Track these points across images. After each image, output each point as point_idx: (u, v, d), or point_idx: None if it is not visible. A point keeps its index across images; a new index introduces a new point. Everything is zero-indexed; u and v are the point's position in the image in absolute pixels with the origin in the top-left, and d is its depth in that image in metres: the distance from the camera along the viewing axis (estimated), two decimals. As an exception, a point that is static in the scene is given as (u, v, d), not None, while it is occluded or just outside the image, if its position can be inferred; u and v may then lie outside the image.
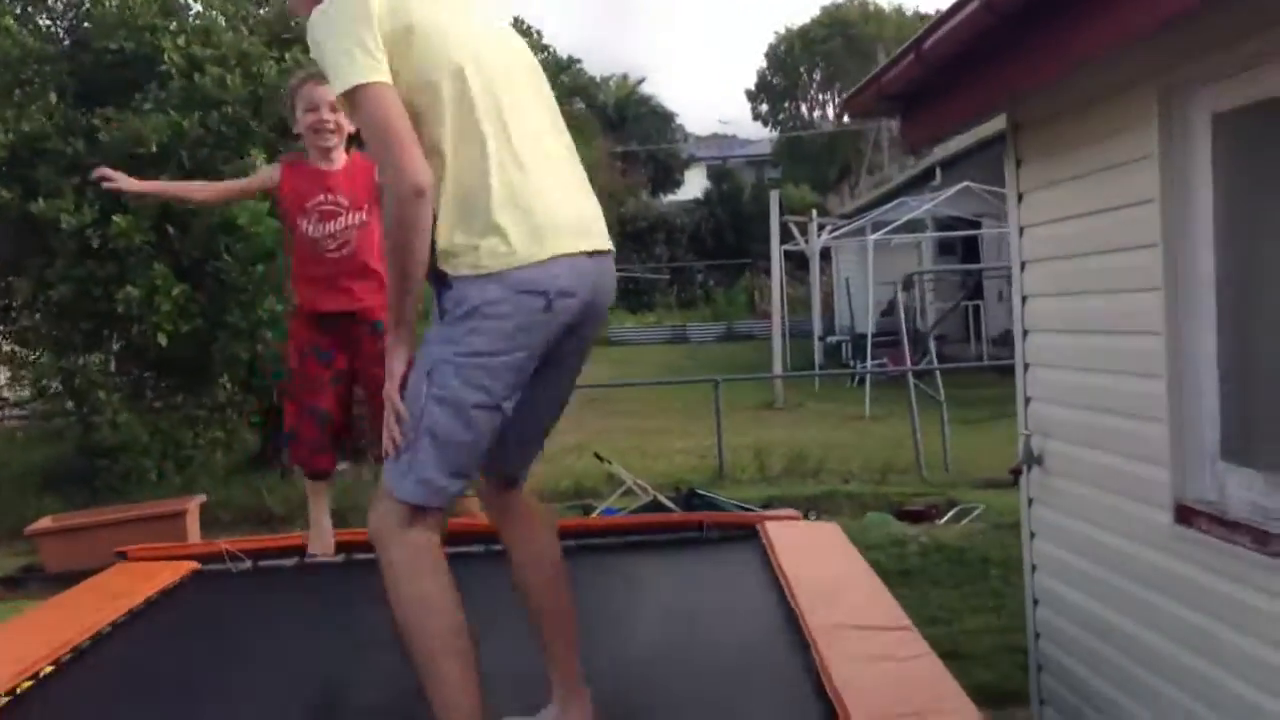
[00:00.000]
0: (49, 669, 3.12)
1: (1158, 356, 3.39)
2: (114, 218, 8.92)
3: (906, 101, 4.55)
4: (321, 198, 3.30)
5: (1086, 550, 4.05)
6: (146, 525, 7.79)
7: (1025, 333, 4.49)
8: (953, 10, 3.51)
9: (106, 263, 9.15)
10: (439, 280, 2.36)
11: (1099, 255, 3.81)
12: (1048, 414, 4.33)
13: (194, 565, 4.19)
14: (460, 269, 2.32)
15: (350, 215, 3.26)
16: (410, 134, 2.28)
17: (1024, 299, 4.48)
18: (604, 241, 2.53)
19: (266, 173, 3.49)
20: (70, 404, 10.26)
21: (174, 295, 8.98)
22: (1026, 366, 4.50)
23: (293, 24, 10.72)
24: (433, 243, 2.32)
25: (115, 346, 10.22)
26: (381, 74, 2.29)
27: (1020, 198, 4.44)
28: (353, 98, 2.28)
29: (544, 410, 2.61)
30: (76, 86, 9.89)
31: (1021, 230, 4.45)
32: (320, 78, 3.11)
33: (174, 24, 10.11)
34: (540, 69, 2.65)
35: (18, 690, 2.96)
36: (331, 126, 3.27)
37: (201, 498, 8.81)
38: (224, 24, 10.29)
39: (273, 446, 11.20)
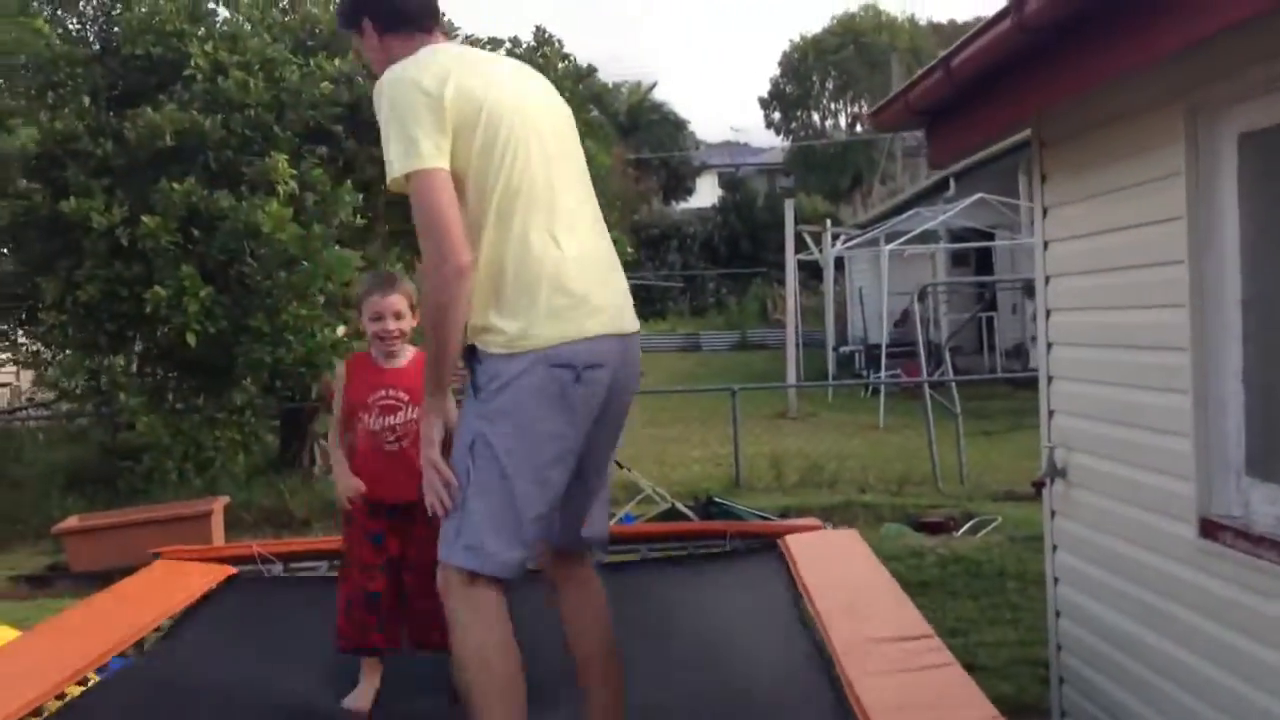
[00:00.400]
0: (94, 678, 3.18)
1: (1183, 372, 3.44)
2: (143, 218, 9.03)
3: (933, 117, 4.60)
4: (383, 393, 3.35)
5: (1109, 563, 4.09)
6: (172, 526, 7.87)
7: (1049, 346, 4.53)
8: (983, 28, 3.57)
9: (134, 263, 9.25)
10: (471, 356, 2.51)
11: (1124, 271, 3.86)
12: (1071, 427, 4.37)
13: (229, 569, 4.25)
14: (492, 347, 2.47)
15: (410, 410, 3.29)
16: (457, 218, 2.42)
17: (1048, 313, 4.53)
18: (632, 324, 2.67)
19: (339, 375, 3.52)
20: (94, 405, 10.34)
21: (201, 297, 9.07)
22: (1050, 379, 4.54)
23: (317, 30, 10.83)
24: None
25: (138, 348, 10.29)
26: (440, 160, 2.44)
27: (1045, 212, 4.49)
28: (409, 180, 2.43)
29: (588, 479, 2.69)
30: (107, 89, 10.00)
31: (1046, 245, 4.50)
32: (385, 288, 3.33)
33: (201, 30, 10.21)
34: (575, 130, 2.79)
35: (66, 694, 3.02)
36: (395, 334, 3.35)
37: (225, 499, 8.89)
38: (249, 30, 10.39)
39: (291, 449, 11.30)
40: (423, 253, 2.46)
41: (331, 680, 3.27)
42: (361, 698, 3.25)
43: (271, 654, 3.49)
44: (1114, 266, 3.94)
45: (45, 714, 2.91)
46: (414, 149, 2.42)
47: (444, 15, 2.93)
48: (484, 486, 2.45)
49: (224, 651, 3.55)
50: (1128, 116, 3.76)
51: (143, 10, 10.06)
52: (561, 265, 2.50)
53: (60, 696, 3.02)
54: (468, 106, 2.48)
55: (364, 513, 3.35)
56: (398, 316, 3.33)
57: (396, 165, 2.45)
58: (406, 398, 3.32)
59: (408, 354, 3.38)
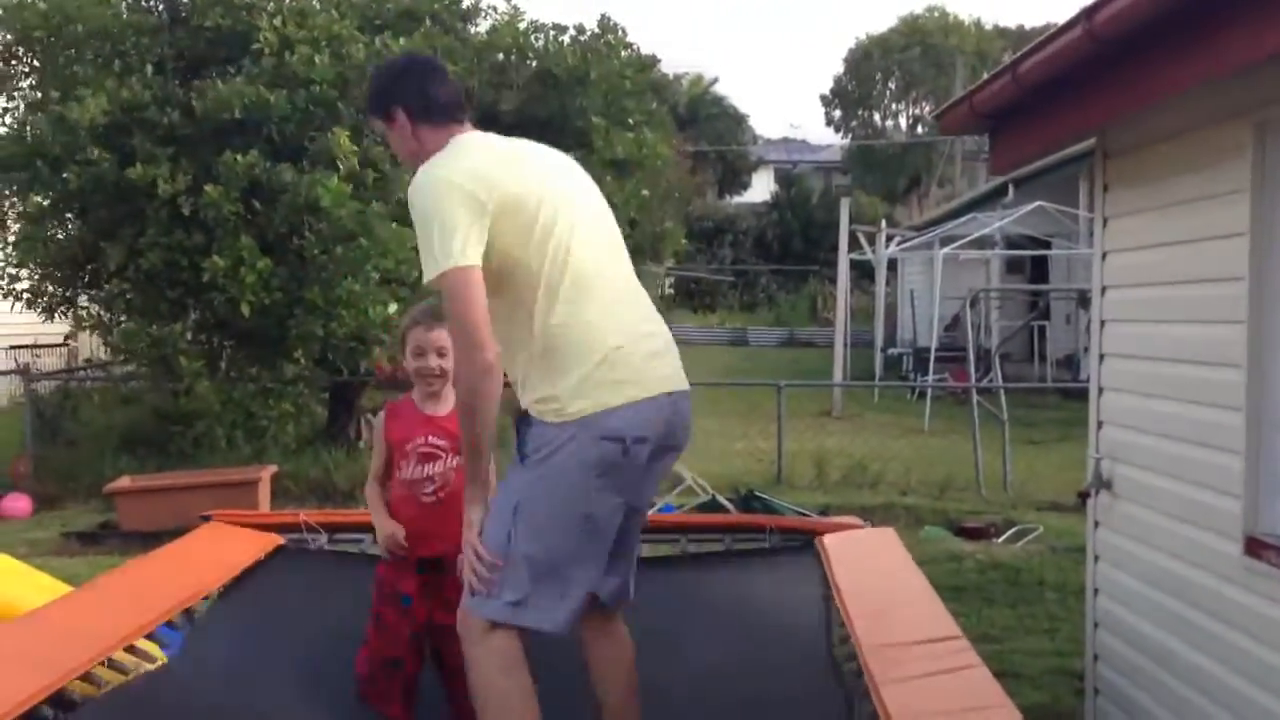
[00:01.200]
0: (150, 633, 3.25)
1: (1237, 389, 3.42)
2: (205, 187, 9.17)
3: (997, 121, 4.59)
4: (423, 439, 3.22)
5: (1151, 577, 4.07)
6: (220, 491, 8.00)
7: (1102, 357, 4.51)
8: (1053, 35, 3.56)
9: (195, 233, 9.40)
10: (523, 421, 2.63)
11: (1183, 285, 3.84)
12: (1120, 439, 4.35)
13: (276, 539, 4.31)
14: (545, 415, 2.59)
15: (450, 459, 3.18)
16: (485, 315, 2.52)
17: (1103, 324, 4.50)
18: (680, 383, 2.75)
19: (378, 427, 3.37)
20: (153, 370, 10.52)
21: (258, 268, 9.20)
22: (1101, 390, 4.52)
23: (388, 7, 10.93)
24: (518, 381, 2.65)
25: (194, 316, 10.46)
26: (472, 258, 2.53)
27: (1105, 223, 4.46)
28: (443, 278, 2.52)
29: (626, 538, 2.79)
30: (174, 60, 10.16)
31: (1104, 255, 4.47)
32: (429, 323, 3.21)
33: (270, 4, 10.34)
34: (605, 203, 2.87)
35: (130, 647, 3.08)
36: (437, 372, 3.21)
37: (273, 468, 9.03)
38: (318, 6, 10.50)
39: (338, 423, 11.44)
40: (453, 349, 2.64)
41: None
42: None
43: (317, 631, 3.54)
44: (1172, 280, 3.92)
45: (99, 681, 2.97)
46: (447, 248, 2.51)
47: (471, 105, 3.09)
48: (530, 548, 2.57)
49: (270, 627, 3.61)
50: (1194, 130, 3.73)
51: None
52: (609, 339, 2.62)
53: (108, 663, 3.07)
54: (506, 196, 2.58)
55: (393, 569, 3.23)
56: (441, 354, 3.18)
57: (427, 264, 2.55)
58: (447, 446, 3.18)
59: (451, 400, 3.17)
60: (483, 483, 2.68)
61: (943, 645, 2.99)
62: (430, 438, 3.22)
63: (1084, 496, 4.79)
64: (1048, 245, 18.78)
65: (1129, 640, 4.26)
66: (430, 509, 3.19)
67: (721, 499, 8.71)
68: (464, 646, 2.64)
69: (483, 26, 11.63)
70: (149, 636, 3.32)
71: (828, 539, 4.18)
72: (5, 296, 10.79)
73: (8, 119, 10.57)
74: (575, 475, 2.56)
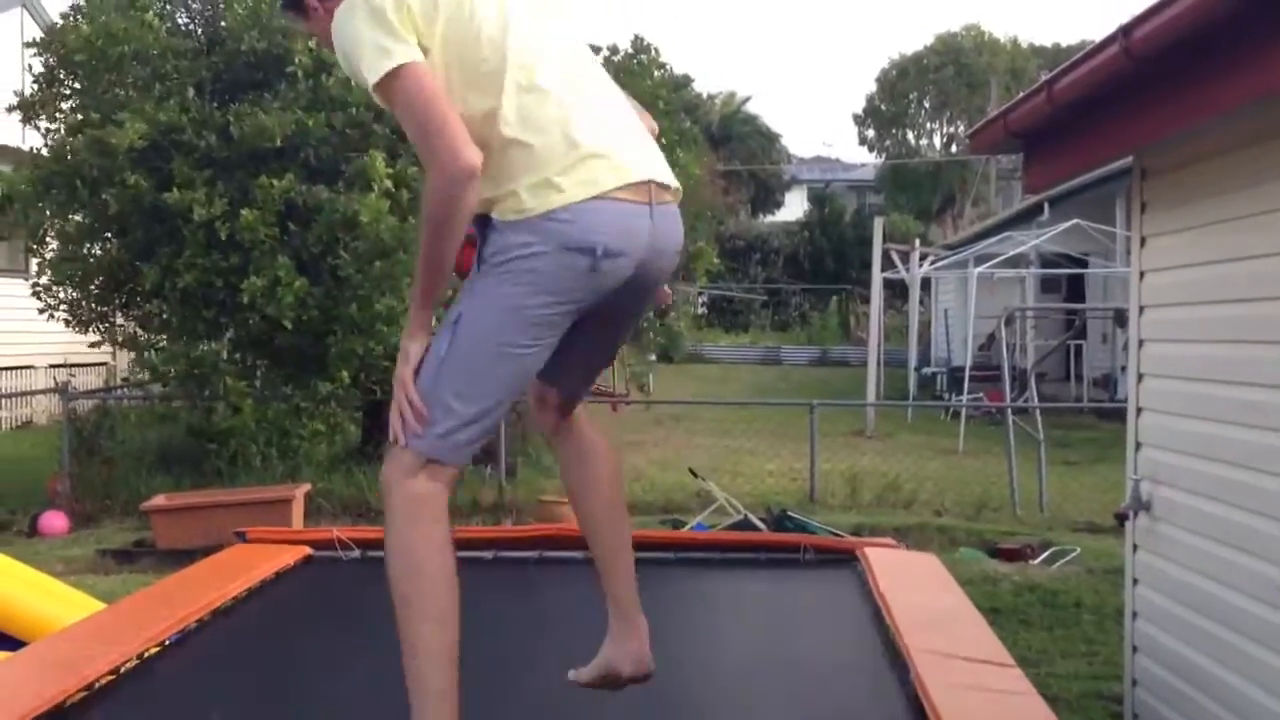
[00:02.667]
0: (176, 637, 3.28)
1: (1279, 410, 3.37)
2: (242, 211, 9.25)
3: (1031, 140, 4.57)
4: None
5: (1192, 601, 4.01)
6: (255, 509, 8.04)
7: (1140, 377, 4.46)
8: (1089, 54, 3.54)
9: (231, 254, 9.48)
10: (482, 224, 2.27)
11: (1224, 305, 3.79)
12: (1159, 460, 4.30)
13: (306, 550, 4.35)
14: (505, 214, 2.23)
15: None
16: (451, 109, 2.18)
17: (1141, 343, 4.46)
18: (666, 176, 2.36)
19: None
20: (189, 389, 10.61)
21: (295, 288, 9.27)
22: (1140, 411, 4.47)
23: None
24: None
25: (229, 335, 10.54)
26: (413, 54, 2.19)
27: (1143, 242, 4.42)
28: (388, 87, 2.18)
29: (594, 352, 2.55)
30: (211, 83, 10.27)
31: (1142, 275, 4.43)
32: None
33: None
34: (571, 17, 2.51)
35: (145, 655, 3.12)
36: None
37: (307, 486, 9.07)
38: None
39: (372, 441, 11.49)
40: (424, 157, 2.21)
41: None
42: None
43: (334, 631, 3.55)
44: (1213, 299, 3.88)
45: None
46: (381, 54, 2.17)
47: None
48: (461, 368, 2.24)
49: (287, 625, 3.63)
50: (1236, 150, 3.69)
51: (248, 5, 10.28)
52: (571, 114, 2.25)
53: (139, 660, 3.09)
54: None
55: None
56: None
57: (369, 77, 2.18)
58: None
59: None
60: (429, 310, 2.30)
61: (995, 669, 2.97)
62: None
63: (1122, 518, 4.73)
64: (1084, 263, 18.63)
65: (1169, 665, 4.20)
66: None
67: (754, 519, 8.66)
68: (384, 498, 2.29)
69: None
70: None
71: (871, 553, 4.16)
72: (43, 312, 10.93)
73: (50, 140, 10.71)
74: (527, 288, 2.21)
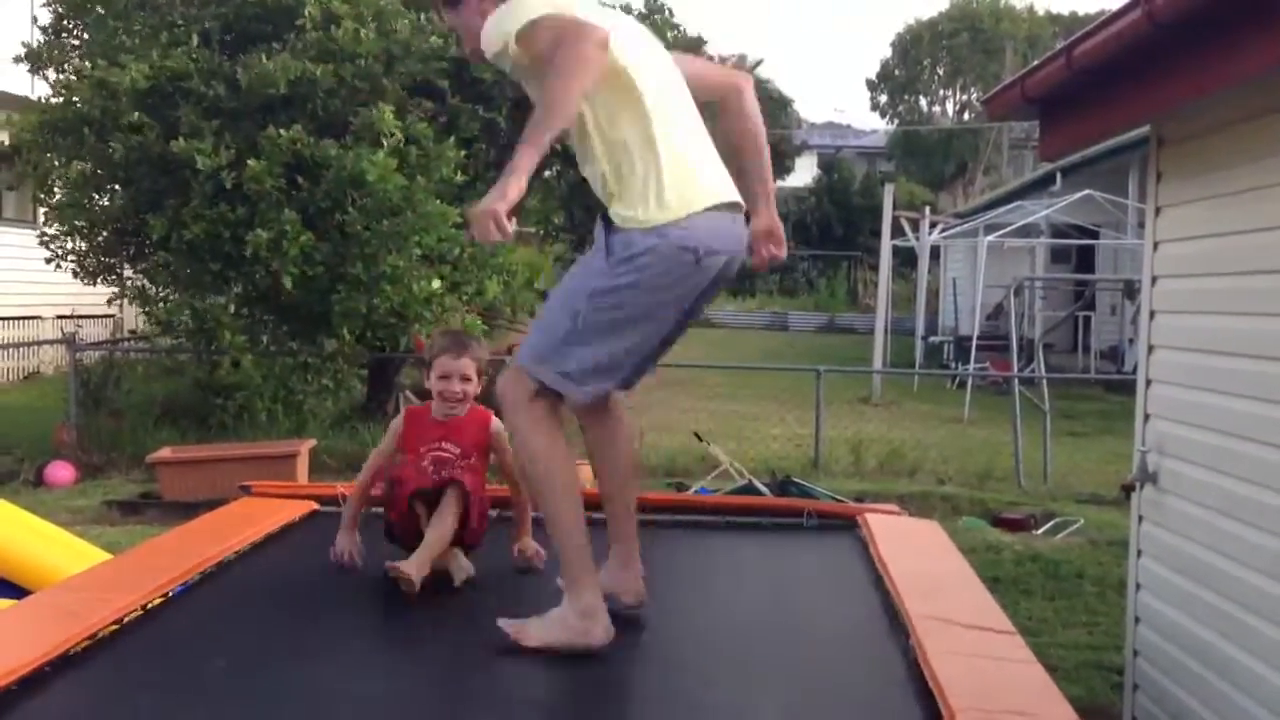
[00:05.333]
0: (181, 588, 3.28)
1: (1291, 384, 3.35)
2: (248, 161, 9.20)
3: (1048, 106, 4.51)
4: (437, 445, 3.36)
5: (1195, 573, 4.01)
6: (260, 464, 8.06)
7: (1150, 348, 4.43)
8: (1110, 18, 3.49)
9: (238, 206, 9.44)
10: (608, 226, 2.72)
11: (1238, 276, 3.76)
12: (1167, 432, 4.28)
13: (311, 505, 4.35)
14: (629, 224, 2.69)
15: (459, 464, 3.32)
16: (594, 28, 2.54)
17: (1152, 314, 4.43)
18: (737, 195, 2.87)
19: (395, 427, 3.50)
20: (195, 342, 10.62)
21: (300, 241, 9.23)
22: (1149, 383, 4.44)
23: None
24: (608, 192, 2.73)
25: (236, 290, 10.52)
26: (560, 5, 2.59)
27: (1158, 212, 4.38)
28: (533, 31, 2.55)
29: (667, 338, 2.93)
30: (220, 33, 10.19)
31: (1156, 245, 4.39)
32: (456, 350, 3.32)
33: (316, -23, 10.35)
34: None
35: (149, 606, 3.12)
36: (460, 395, 3.35)
37: (312, 441, 9.09)
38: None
39: (377, 399, 11.51)
40: (561, 44, 2.51)
41: (390, 606, 3.31)
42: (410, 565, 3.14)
43: (338, 584, 3.56)
44: (1227, 271, 3.84)
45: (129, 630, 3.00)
46: (528, 8, 2.59)
47: None
48: (589, 332, 2.71)
49: (291, 574, 3.64)
50: (1254, 119, 3.65)
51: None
52: (687, 155, 2.75)
53: (144, 611, 3.10)
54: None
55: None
56: (465, 379, 3.34)
57: (520, 21, 2.58)
58: (458, 451, 3.34)
59: (466, 409, 3.39)
60: (536, 152, 2.51)
61: (995, 635, 2.96)
62: (443, 443, 3.35)
63: (1128, 490, 4.73)
64: (1095, 234, 18.53)
65: (1170, 636, 4.20)
66: (430, 477, 3.31)
67: (758, 484, 8.67)
68: (504, 412, 2.81)
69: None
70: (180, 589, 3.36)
71: (872, 519, 4.15)
72: (50, 261, 10.92)
73: (57, 89, 10.67)
74: (650, 280, 2.68)
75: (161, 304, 10.41)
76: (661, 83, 2.80)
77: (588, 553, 2.78)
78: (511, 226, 2.50)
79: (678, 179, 2.70)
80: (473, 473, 3.41)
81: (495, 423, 3.33)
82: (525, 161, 2.48)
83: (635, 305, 2.71)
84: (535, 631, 2.74)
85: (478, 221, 2.50)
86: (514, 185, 2.47)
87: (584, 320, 2.71)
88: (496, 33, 2.66)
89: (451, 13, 2.96)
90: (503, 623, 2.78)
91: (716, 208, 2.75)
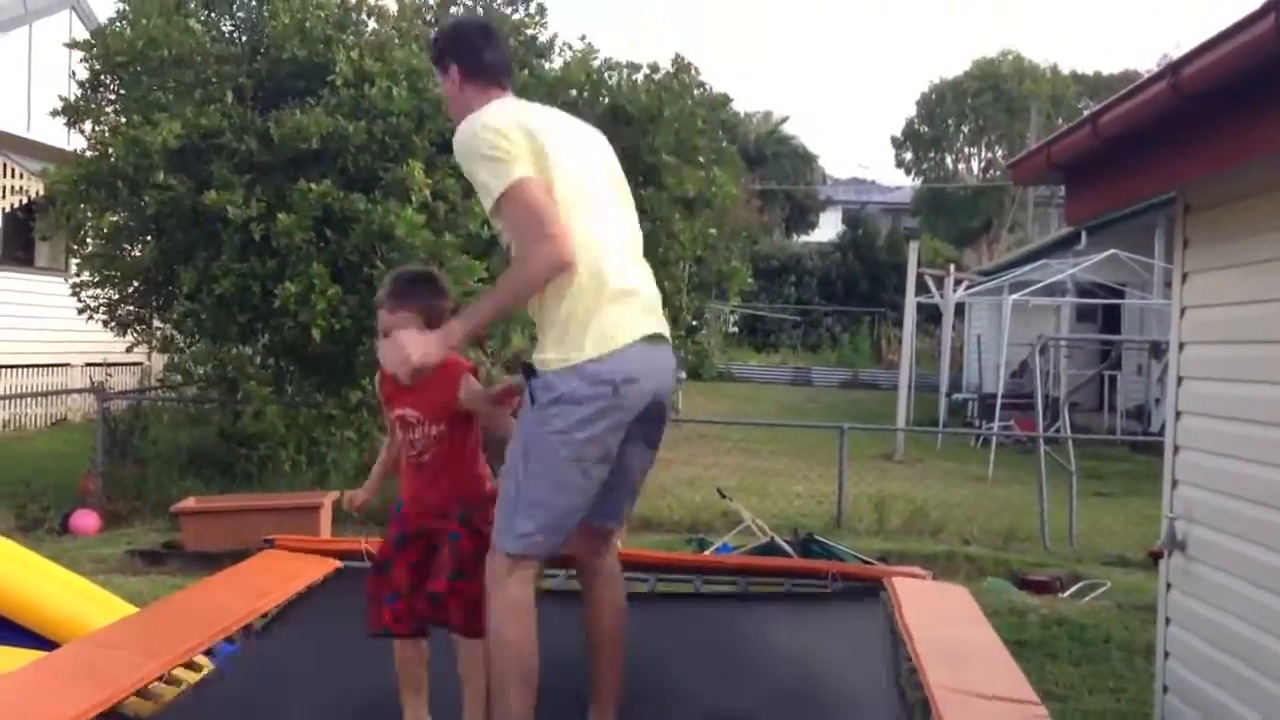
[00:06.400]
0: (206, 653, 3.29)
1: (1321, 454, 3.32)
2: (279, 215, 9.30)
3: (1073, 172, 4.53)
4: (401, 410, 3.16)
5: (1226, 643, 3.95)
6: (283, 515, 8.06)
7: (1178, 414, 4.41)
8: (1136, 89, 3.51)
9: (268, 259, 9.54)
10: (528, 372, 2.85)
11: (1266, 344, 3.74)
12: (1196, 499, 4.24)
13: (335, 563, 4.35)
14: (547, 366, 2.81)
15: (426, 426, 3.12)
16: (558, 213, 2.74)
17: (1179, 380, 4.41)
18: (664, 328, 2.97)
19: (378, 382, 3.28)
20: (220, 392, 10.68)
21: (328, 295, 9.31)
22: (1177, 449, 4.41)
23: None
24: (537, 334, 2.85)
25: (263, 341, 10.59)
26: (525, 169, 2.76)
27: (1185, 278, 4.37)
28: (505, 198, 2.74)
29: (619, 482, 3.00)
30: (253, 89, 10.36)
31: (1183, 311, 4.38)
32: (392, 303, 3.08)
33: (349, 37, 10.52)
34: (622, 172, 3.11)
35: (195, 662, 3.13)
36: None
37: (335, 494, 9.08)
38: (397, 40, 10.66)
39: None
40: (529, 244, 2.73)
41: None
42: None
43: (367, 647, 3.56)
44: (1256, 339, 3.83)
45: (153, 696, 3.00)
46: (501, 169, 2.75)
47: (515, 72, 3.31)
48: (537, 485, 2.81)
49: (324, 642, 3.64)
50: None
51: (292, 13, 10.36)
52: (611, 285, 2.84)
53: (167, 679, 3.11)
54: (530, 139, 2.81)
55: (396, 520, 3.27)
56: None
57: (493, 188, 2.76)
58: (418, 415, 3.12)
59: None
60: (471, 325, 2.86)
61: (1019, 710, 2.92)
62: (405, 410, 3.15)
63: (1156, 556, 4.67)
64: (1120, 294, 18.47)
65: (1199, 706, 4.14)
66: (418, 472, 3.19)
67: (780, 541, 8.61)
68: (487, 593, 2.86)
69: (556, 63, 11.74)
70: (207, 653, 3.36)
71: (899, 583, 4.11)
72: (81, 312, 11.04)
73: (93, 141, 10.84)
74: (574, 417, 2.77)
75: (183, 353, 10.48)
76: (596, 209, 2.88)
77: None
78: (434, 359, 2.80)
79: (600, 320, 2.80)
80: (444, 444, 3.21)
81: (466, 379, 3.09)
82: (468, 324, 2.86)
83: (568, 446, 2.78)
84: None
85: (390, 348, 2.82)
86: (456, 333, 2.83)
87: (524, 479, 2.82)
88: (479, 183, 2.82)
89: (440, 75, 3.14)
90: None
91: (634, 343, 2.84)
